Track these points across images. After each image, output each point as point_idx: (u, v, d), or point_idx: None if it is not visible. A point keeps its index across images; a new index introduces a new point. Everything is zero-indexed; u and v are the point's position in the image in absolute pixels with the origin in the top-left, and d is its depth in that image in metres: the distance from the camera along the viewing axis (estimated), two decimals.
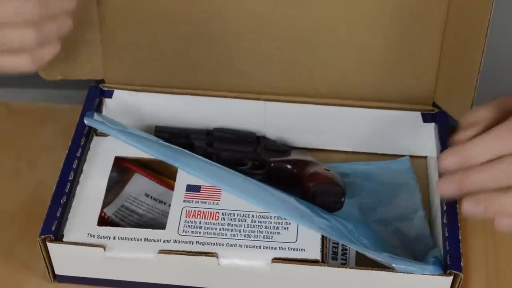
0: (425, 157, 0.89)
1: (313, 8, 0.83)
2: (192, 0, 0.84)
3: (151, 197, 0.84)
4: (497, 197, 0.65)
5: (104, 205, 0.80)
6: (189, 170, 0.79)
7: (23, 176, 0.88)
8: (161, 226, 0.78)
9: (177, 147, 0.82)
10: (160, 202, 0.84)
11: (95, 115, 0.83)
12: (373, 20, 0.83)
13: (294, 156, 0.86)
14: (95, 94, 0.87)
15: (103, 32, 0.85)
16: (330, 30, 0.84)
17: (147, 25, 0.85)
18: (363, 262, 0.76)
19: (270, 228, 0.76)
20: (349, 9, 0.83)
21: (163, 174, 0.86)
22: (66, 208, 0.77)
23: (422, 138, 0.87)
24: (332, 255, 0.79)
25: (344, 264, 0.79)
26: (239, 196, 0.77)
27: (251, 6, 0.84)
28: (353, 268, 0.74)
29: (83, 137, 0.82)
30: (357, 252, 0.79)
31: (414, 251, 0.79)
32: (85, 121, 0.83)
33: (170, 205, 0.79)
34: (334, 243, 0.80)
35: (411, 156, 0.89)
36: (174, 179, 0.81)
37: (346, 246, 0.80)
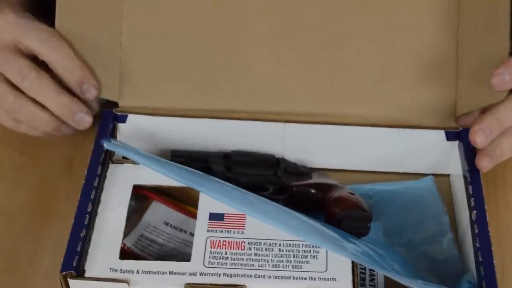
0: (448, 175, 0.87)
1: (331, 28, 0.83)
2: (207, 23, 0.83)
3: (171, 226, 0.82)
4: None
5: (123, 236, 0.77)
6: (213, 195, 0.76)
7: (27, 171, 0.87)
8: (183, 256, 0.76)
9: (199, 171, 0.79)
10: (181, 230, 0.81)
11: (112, 141, 0.81)
12: (393, 41, 0.84)
13: (316, 179, 0.84)
14: (109, 120, 0.84)
15: (121, 56, 0.84)
16: (349, 50, 0.84)
17: (163, 48, 0.84)
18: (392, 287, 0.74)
19: (299, 257, 0.74)
20: (370, 32, 0.83)
21: (181, 200, 0.83)
22: (85, 241, 0.74)
23: (445, 156, 0.86)
24: (360, 281, 0.77)
25: None
26: (267, 222, 0.74)
27: (268, 25, 0.84)
28: None
29: (99, 166, 0.80)
30: (385, 277, 0.77)
31: (443, 276, 0.77)
32: (104, 145, 0.80)
33: (190, 233, 0.78)
34: (361, 268, 0.78)
35: (433, 175, 0.87)
36: (193, 206, 0.79)
37: (373, 271, 0.77)
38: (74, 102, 0.82)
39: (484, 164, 0.80)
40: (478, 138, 0.79)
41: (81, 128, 0.83)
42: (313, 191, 0.82)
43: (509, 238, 0.81)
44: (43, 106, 0.82)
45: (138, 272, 0.72)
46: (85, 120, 0.83)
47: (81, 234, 0.74)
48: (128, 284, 0.71)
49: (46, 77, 0.82)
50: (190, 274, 0.72)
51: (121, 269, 0.72)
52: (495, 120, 0.80)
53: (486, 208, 0.77)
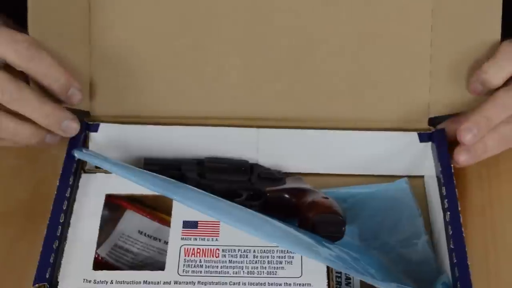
0: (422, 177, 0.87)
1: (303, 33, 0.83)
2: (178, 30, 0.83)
3: (145, 234, 0.81)
4: None
5: (97, 246, 0.76)
6: (187, 203, 0.76)
7: (23, 173, 0.86)
8: (158, 264, 0.76)
9: (172, 179, 0.79)
10: (155, 239, 0.81)
11: (84, 151, 0.81)
12: (364, 41, 0.83)
13: (290, 184, 0.83)
14: (80, 129, 0.83)
15: (91, 64, 0.83)
16: (321, 54, 0.84)
17: (134, 55, 0.84)
18: None
19: (274, 263, 0.73)
20: (341, 35, 0.83)
21: (155, 209, 0.83)
22: (58, 253, 0.74)
23: (419, 158, 0.86)
24: (336, 285, 0.77)
25: None
26: (241, 229, 0.73)
27: (239, 31, 0.83)
28: None
29: (71, 176, 0.79)
30: (361, 281, 0.76)
31: (418, 277, 0.77)
32: (76, 154, 0.80)
33: (165, 241, 0.77)
34: (337, 272, 0.77)
35: (408, 176, 0.87)
36: (167, 214, 0.78)
37: (349, 275, 0.77)
38: (59, 110, 0.81)
39: (461, 159, 0.81)
40: (465, 137, 0.80)
41: (68, 135, 0.82)
42: (287, 196, 0.82)
43: (505, 240, 0.81)
44: (25, 119, 0.80)
45: (112, 282, 0.72)
46: (72, 127, 0.81)
47: (54, 246, 0.73)
48: None
49: (26, 88, 0.79)
50: (164, 283, 0.72)
51: (94, 280, 0.72)
52: (482, 117, 0.80)
53: (459, 209, 0.77)
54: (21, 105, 0.79)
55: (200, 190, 0.78)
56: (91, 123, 0.84)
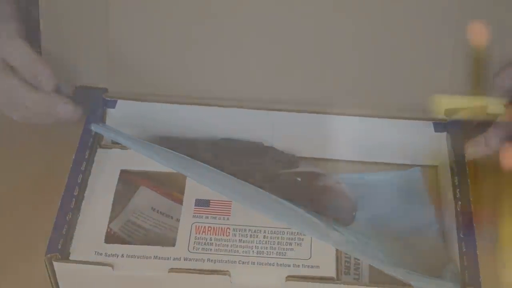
0: (435, 167, 0.87)
1: (323, 18, 0.83)
2: (197, 10, 0.83)
3: (158, 211, 0.82)
4: None
5: (110, 220, 0.77)
6: (203, 181, 0.77)
7: (35, 150, 0.87)
8: (169, 241, 0.76)
9: (188, 157, 0.80)
10: (167, 216, 0.82)
11: (100, 125, 0.82)
12: (383, 27, 0.83)
13: (303, 167, 0.84)
14: (98, 105, 0.85)
15: (110, 41, 0.84)
16: (338, 38, 0.84)
17: (153, 33, 0.84)
18: (377, 276, 0.75)
19: (283, 244, 0.74)
20: (361, 20, 0.83)
21: (169, 186, 0.84)
22: (71, 225, 0.75)
23: (433, 148, 0.86)
24: (344, 269, 0.77)
25: (357, 279, 0.77)
26: (252, 208, 0.75)
27: (258, 13, 0.83)
28: (369, 285, 0.73)
29: (87, 150, 0.80)
30: (370, 266, 0.77)
31: (427, 265, 0.77)
32: (92, 128, 0.81)
33: (177, 219, 0.78)
34: (346, 256, 0.78)
35: (421, 166, 0.87)
36: (180, 192, 0.79)
37: (358, 259, 0.78)
38: (49, 98, 0.82)
39: (473, 151, 0.81)
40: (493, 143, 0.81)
41: (63, 116, 0.83)
42: (299, 179, 0.82)
43: None
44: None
45: (123, 256, 0.73)
46: (67, 109, 0.82)
47: (67, 218, 0.74)
48: (112, 268, 0.72)
49: (14, 79, 0.81)
50: (174, 259, 0.72)
51: (106, 253, 0.73)
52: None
53: (471, 199, 0.77)
54: (12, 95, 0.82)
55: (213, 169, 0.79)
56: (109, 99, 0.85)
